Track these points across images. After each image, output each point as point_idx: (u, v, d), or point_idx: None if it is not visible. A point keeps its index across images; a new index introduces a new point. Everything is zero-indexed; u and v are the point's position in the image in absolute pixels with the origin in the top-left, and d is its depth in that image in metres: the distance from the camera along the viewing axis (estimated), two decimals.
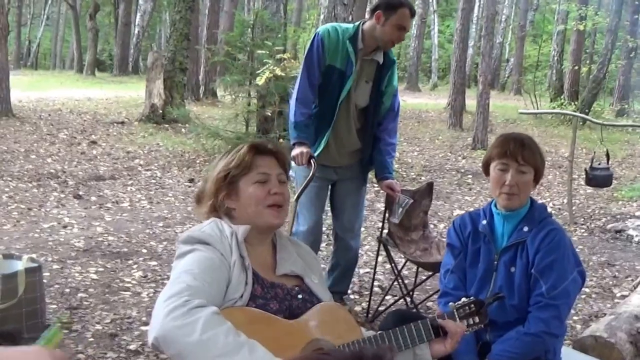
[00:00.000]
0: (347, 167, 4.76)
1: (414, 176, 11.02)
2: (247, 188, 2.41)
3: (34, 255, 5.83)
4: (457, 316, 2.59)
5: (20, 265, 4.47)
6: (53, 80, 28.97)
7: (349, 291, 5.53)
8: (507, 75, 40.49)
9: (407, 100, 23.98)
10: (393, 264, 5.04)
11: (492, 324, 3.00)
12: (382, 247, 5.07)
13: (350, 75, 4.50)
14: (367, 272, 6.01)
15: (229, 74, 11.04)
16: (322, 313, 2.37)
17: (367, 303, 5.11)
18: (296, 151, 4.47)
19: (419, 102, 25.92)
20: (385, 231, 5.04)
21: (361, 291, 5.62)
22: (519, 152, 3.02)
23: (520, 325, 3.01)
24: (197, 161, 10.78)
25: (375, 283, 5.75)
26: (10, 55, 46.57)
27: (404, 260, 5.22)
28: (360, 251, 6.36)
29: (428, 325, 2.49)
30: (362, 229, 5.71)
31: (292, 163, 4.64)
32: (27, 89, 21.75)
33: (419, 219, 5.11)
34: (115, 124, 14.81)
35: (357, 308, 5.21)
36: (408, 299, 4.98)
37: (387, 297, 5.31)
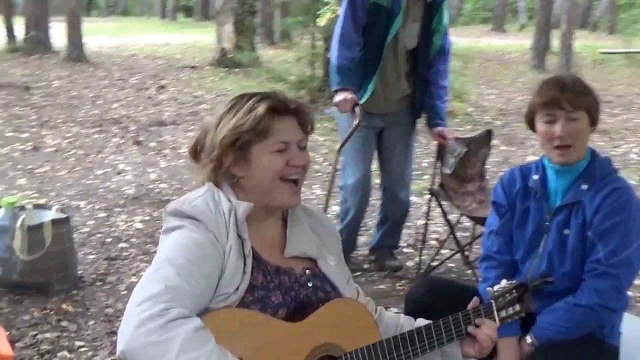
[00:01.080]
0: (394, 114, 4.38)
1: (488, 120, 10.44)
2: (261, 157, 1.96)
3: (81, 203, 5.74)
4: (495, 308, 2.20)
5: (49, 216, 4.30)
6: (138, 26, 29.20)
7: (403, 244, 5.21)
8: (599, 14, 38.55)
9: (492, 42, 23.12)
10: (446, 218, 4.65)
11: (538, 292, 2.60)
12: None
13: (398, 14, 4.09)
14: (424, 224, 5.62)
15: (291, 15, 10.66)
16: (332, 311, 1.97)
17: (419, 258, 4.76)
18: (339, 97, 4.13)
19: (504, 44, 24.90)
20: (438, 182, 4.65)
21: (416, 244, 5.25)
22: (564, 96, 2.54)
23: (571, 295, 2.59)
24: None
25: (434, 236, 5.43)
26: (102, 3, 47.43)
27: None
28: (420, 201, 6.02)
29: (460, 323, 2.12)
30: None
31: (335, 110, 4.30)
32: (112, 35, 21.93)
33: (476, 169, 4.69)
34: (186, 69, 14.70)
35: (410, 263, 4.86)
36: (462, 255, 4.61)
37: (444, 252, 4.94)
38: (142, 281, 1.75)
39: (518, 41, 26.22)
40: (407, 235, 5.37)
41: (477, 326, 2.12)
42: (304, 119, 2.05)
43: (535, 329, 2.59)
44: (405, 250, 5.13)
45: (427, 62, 4.24)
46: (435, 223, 5.51)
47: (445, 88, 4.29)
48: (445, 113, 4.35)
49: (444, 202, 4.66)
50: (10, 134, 8.35)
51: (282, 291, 1.94)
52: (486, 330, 2.12)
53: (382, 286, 4.47)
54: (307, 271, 2.04)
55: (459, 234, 5.36)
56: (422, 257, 4.74)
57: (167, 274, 1.73)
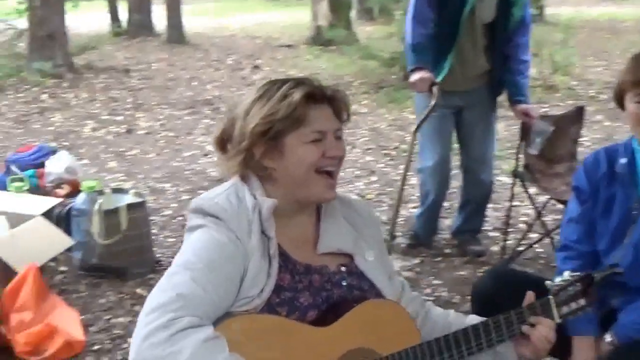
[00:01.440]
0: (473, 92, 4.17)
1: (592, 94, 9.91)
2: (296, 148, 1.82)
3: (166, 185, 5.79)
4: (553, 305, 1.98)
5: (125, 201, 4.32)
6: (238, 6, 29.40)
7: (489, 227, 4.98)
8: None
9: (603, 10, 22.05)
10: (532, 200, 4.40)
11: (621, 287, 2.36)
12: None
13: None
14: (515, 206, 5.36)
15: None
16: (366, 313, 1.82)
17: (503, 242, 4.53)
18: (415, 77, 3.98)
19: (617, 12, 23.72)
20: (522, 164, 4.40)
21: (504, 228, 5.01)
22: None
23: None
24: (354, 84, 10.33)
25: (522, 218, 5.17)
26: None
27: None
28: (510, 181, 5.74)
29: (512, 322, 1.92)
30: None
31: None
32: (213, 16, 22.19)
33: (566, 149, 4.40)
34: (283, 47, 14.70)
35: (495, 248, 4.64)
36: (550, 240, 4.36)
37: (533, 236, 4.69)
38: (156, 287, 1.66)
39: (635, 9, 24.92)
40: (494, 218, 5.14)
41: (532, 325, 1.93)
42: (339, 106, 1.90)
43: (617, 327, 2.38)
44: (491, 234, 4.90)
45: (506, 36, 4.00)
46: (525, 205, 5.25)
47: (527, 62, 4.04)
48: (528, 89, 4.10)
49: (530, 184, 4.41)
50: (106, 116, 8.53)
51: (312, 292, 1.80)
52: (542, 330, 1.92)
53: (462, 272, 4.27)
54: (343, 268, 1.89)
55: (550, 217, 5.10)
56: (507, 242, 4.51)
57: (180, 280, 1.64)
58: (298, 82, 1.87)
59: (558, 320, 1.98)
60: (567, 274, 2.05)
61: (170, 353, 1.51)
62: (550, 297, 1.99)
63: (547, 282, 2.03)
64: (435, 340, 1.85)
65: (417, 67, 3.99)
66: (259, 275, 1.73)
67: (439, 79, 4.02)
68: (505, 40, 4.00)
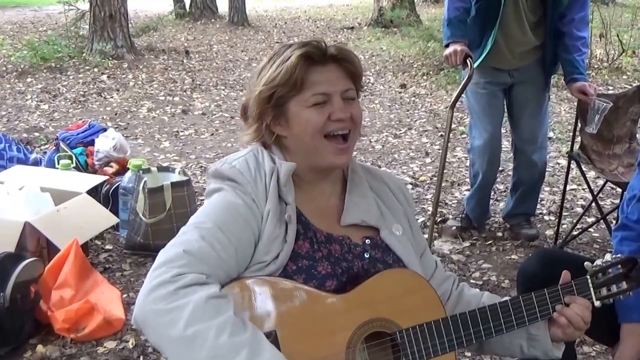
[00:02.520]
0: (524, 69, 4.00)
1: None
2: (299, 113, 1.74)
3: (206, 165, 5.76)
4: (591, 285, 1.86)
5: (170, 179, 4.29)
6: None
7: (545, 211, 4.80)
8: None
9: None
10: (588, 183, 4.21)
11: None
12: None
13: None
14: (573, 189, 5.17)
15: None
16: (387, 283, 1.72)
17: (557, 227, 4.36)
18: (448, 50, 3.87)
19: None
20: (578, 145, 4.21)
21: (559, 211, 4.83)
22: None
23: None
24: (414, 65, 10.15)
25: (580, 202, 4.98)
26: None
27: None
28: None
29: (546, 300, 1.81)
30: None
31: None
32: None
33: (625, 129, 4.19)
34: (345, 29, 14.59)
35: (549, 232, 4.46)
36: (606, 224, 4.18)
37: (589, 220, 4.50)
38: (167, 245, 1.61)
39: None
40: (550, 201, 4.97)
41: (567, 305, 1.81)
42: (348, 66, 1.79)
43: None
44: (546, 217, 4.72)
45: (558, 11, 3.78)
46: (583, 189, 5.05)
47: (584, 39, 3.80)
48: (585, 66, 3.87)
49: (589, 167, 4.22)
50: (163, 97, 8.56)
51: (331, 261, 1.72)
52: (577, 309, 1.80)
53: (513, 256, 4.12)
54: (367, 241, 1.80)
55: (608, 201, 4.90)
56: (561, 226, 4.34)
57: (189, 238, 1.60)
58: (301, 45, 1.77)
59: (596, 303, 1.86)
60: (608, 256, 1.94)
61: (173, 308, 1.46)
62: (588, 277, 1.88)
63: (587, 264, 1.92)
64: (460, 315, 1.75)
65: (452, 41, 3.87)
66: (274, 241, 1.67)
67: (483, 54, 3.90)
68: (558, 16, 3.79)
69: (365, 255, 1.78)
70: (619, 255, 1.94)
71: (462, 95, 4.00)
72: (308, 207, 1.77)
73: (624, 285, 1.89)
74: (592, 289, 1.86)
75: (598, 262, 1.92)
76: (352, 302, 1.66)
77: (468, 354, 3.06)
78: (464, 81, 3.85)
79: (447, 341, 1.71)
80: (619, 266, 1.90)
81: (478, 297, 1.94)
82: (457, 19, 3.88)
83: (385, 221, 1.85)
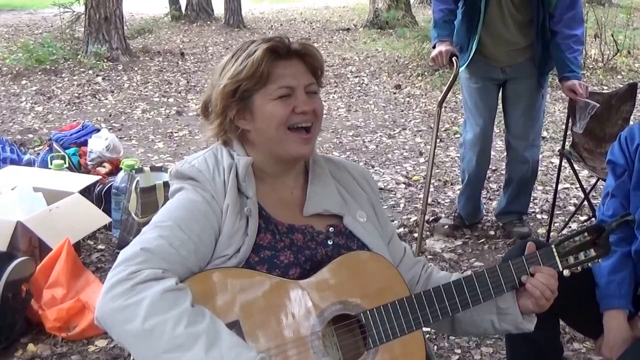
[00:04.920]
0: (517, 66, 4.02)
1: None
2: (264, 106, 1.76)
3: None
4: (556, 254, 1.88)
5: (163, 179, 4.29)
6: None
7: (537, 209, 4.81)
8: None
9: None
10: (579, 181, 4.22)
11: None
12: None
13: None
14: (566, 188, 5.18)
15: None
16: (347, 266, 1.74)
17: (549, 225, 4.35)
18: (434, 52, 3.93)
19: None
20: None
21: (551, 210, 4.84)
22: None
23: None
24: (409, 66, 10.17)
25: (573, 201, 4.98)
26: None
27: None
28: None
29: (511, 271, 1.82)
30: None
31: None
32: (275, 1, 22.17)
33: (617, 128, 4.19)
34: (340, 31, 14.60)
35: (542, 230, 4.46)
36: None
37: (582, 218, 4.51)
38: (127, 245, 1.64)
39: None
40: (542, 200, 4.97)
41: (532, 275, 1.83)
42: (311, 61, 1.83)
43: None
44: (538, 216, 4.73)
45: (547, 11, 3.78)
46: (576, 187, 5.06)
47: (576, 36, 3.79)
48: (578, 65, 3.87)
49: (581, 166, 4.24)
50: (158, 98, 8.56)
51: (294, 250, 1.74)
52: (541, 278, 1.82)
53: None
54: (330, 229, 1.83)
55: (600, 199, 4.90)
56: (553, 224, 4.34)
57: (148, 237, 1.63)
58: (265, 40, 1.80)
59: (565, 272, 1.88)
60: (574, 225, 1.95)
61: (130, 304, 1.48)
62: (552, 246, 1.90)
63: (553, 234, 1.94)
64: (424, 292, 1.76)
65: (438, 41, 3.93)
66: (235, 235, 1.70)
67: (471, 55, 3.95)
68: (546, 15, 3.79)
69: (329, 242, 1.80)
70: (586, 223, 1.95)
71: (460, 95, 4.03)
72: (269, 200, 1.80)
73: (592, 252, 1.91)
74: (557, 258, 1.88)
75: (563, 235, 1.94)
76: (314, 287, 1.68)
77: (446, 339, 3.08)
78: (450, 79, 3.89)
79: (413, 319, 1.73)
80: (586, 234, 1.92)
81: (447, 278, 1.94)
82: (442, 20, 3.94)
83: (348, 208, 1.88)
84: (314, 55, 1.84)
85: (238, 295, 1.61)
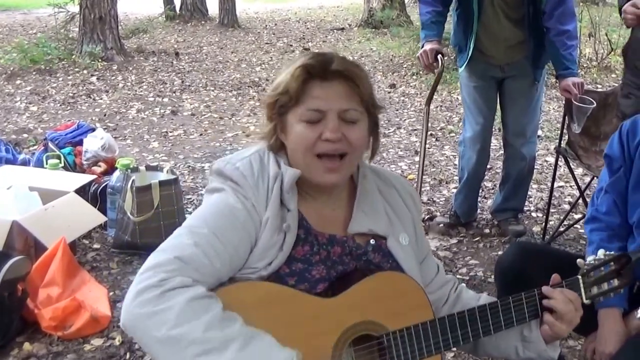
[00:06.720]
0: (514, 64, 4.02)
1: None
2: (294, 126, 1.68)
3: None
4: (582, 285, 1.85)
5: (158, 178, 4.29)
6: None
7: (532, 207, 4.82)
8: None
9: None
10: (575, 179, 4.23)
11: None
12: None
13: None
14: (560, 186, 5.19)
15: None
16: (375, 285, 1.68)
17: (544, 223, 4.37)
18: (419, 52, 4.00)
19: None
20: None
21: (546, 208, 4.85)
22: None
23: None
24: (404, 65, 10.18)
25: (568, 199, 5.00)
26: None
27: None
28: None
29: (535, 300, 1.80)
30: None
31: None
32: (270, 1, 22.16)
33: (612, 126, 4.19)
34: (335, 30, 14.61)
35: (537, 228, 4.48)
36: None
37: (577, 216, 4.51)
38: (160, 246, 1.59)
39: None
40: (538, 198, 4.99)
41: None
42: (355, 84, 1.69)
43: None
44: (533, 214, 4.75)
45: (538, 8, 3.78)
46: (571, 186, 5.07)
47: (568, 32, 3.79)
48: (574, 61, 3.86)
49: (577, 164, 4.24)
50: (152, 98, 8.54)
51: (328, 265, 1.69)
52: (562, 298, 1.78)
53: (501, 252, 4.11)
54: (372, 240, 1.77)
55: None
56: (549, 222, 4.36)
57: (183, 243, 1.57)
58: (308, 56, 1.71)
59: (585, 301, 1.86)
60: (601, 253, 1.93)
61: (159, 310, 1.44)
62: (579, 276, 1.87)
63: (579, 261, 1.91)
64: (448, 317, 1.73)
65: (425, 41, 3.97)
66: (270, 249, 1.64)
67: (469, 54, 3.99)
68: (538, 12, 3.79)
69: (364, 259, 1.75)
70: (612, 252, 1.94)
71: (460, 95, 4.05)
72: (313, 212, 1.74)
73: (616, 282, 1.89)
74: (582, 289, 1.86)
75: (590, 259, 1.91)
76: (340, 305, 1.64)
77: (464, 355, 3.07)
78: (435, 77, 3.92)
79: (434, 344, 1.70)
80: (612, 263, 1.89)
81: (475, 298, 1.93)
82: (430, 21, 3.98)
83: (393, 229, 1.81)
84: (358, 78, 1.70)
85: (262, 308, 1.57)
